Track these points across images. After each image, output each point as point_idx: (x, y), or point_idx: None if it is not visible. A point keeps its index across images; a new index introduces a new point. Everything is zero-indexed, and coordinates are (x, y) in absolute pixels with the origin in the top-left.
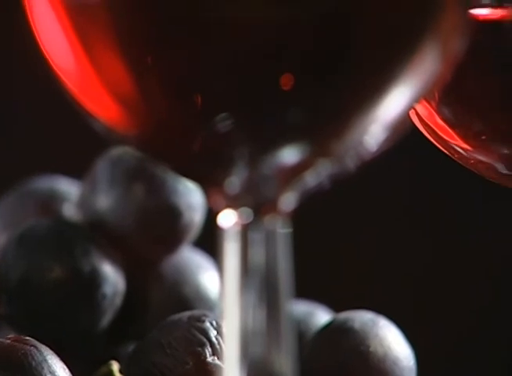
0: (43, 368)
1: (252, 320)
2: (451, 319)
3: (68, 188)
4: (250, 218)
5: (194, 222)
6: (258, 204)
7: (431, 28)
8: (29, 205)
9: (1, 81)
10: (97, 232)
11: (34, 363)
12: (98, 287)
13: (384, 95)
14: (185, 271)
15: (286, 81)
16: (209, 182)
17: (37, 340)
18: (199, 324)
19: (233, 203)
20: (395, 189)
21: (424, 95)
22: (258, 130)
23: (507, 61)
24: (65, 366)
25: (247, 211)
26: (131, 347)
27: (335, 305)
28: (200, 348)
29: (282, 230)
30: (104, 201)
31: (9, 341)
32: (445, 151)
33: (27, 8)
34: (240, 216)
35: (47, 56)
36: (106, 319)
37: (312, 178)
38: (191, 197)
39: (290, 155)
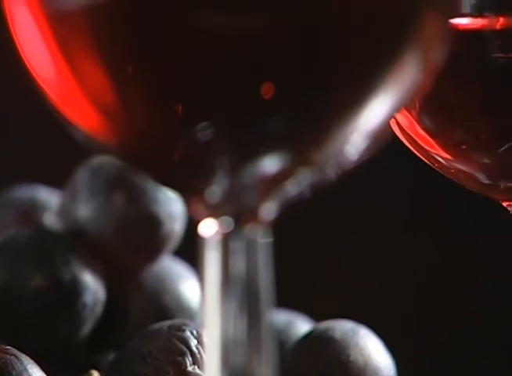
0: None
1: (233, 330)
2: (432, 329)
3: (48, 197)
4: (231, 227)
5: (174, 232)
6: (239, 213)
7: (412, 38)
8: (9, 214)
9: None
10: (77, 241)
11: (14, 372)
12: (78, 296)
13: (364, 104)
14: (165, 280)
15: (267, 91)
16: (190, 191)
17: (18, 349)
18: (179, 333)
19: (214, 212)
20: (376, 197)
21: (405, 105)
22: (239, 139)
23: (487, 70)
24: None
25: (228, 220)
26: (111, 356)
27: (315, 315)
28: (180, 358)
29: (262, 239)
30: (84, 210)
31: None
32: (426, 161)
33: (8, 17)
34: (221, 225)
35: (28, 65)
36: (87, 328)
37: (293, 187)
38: (171, 206)
39: (270, 164)
